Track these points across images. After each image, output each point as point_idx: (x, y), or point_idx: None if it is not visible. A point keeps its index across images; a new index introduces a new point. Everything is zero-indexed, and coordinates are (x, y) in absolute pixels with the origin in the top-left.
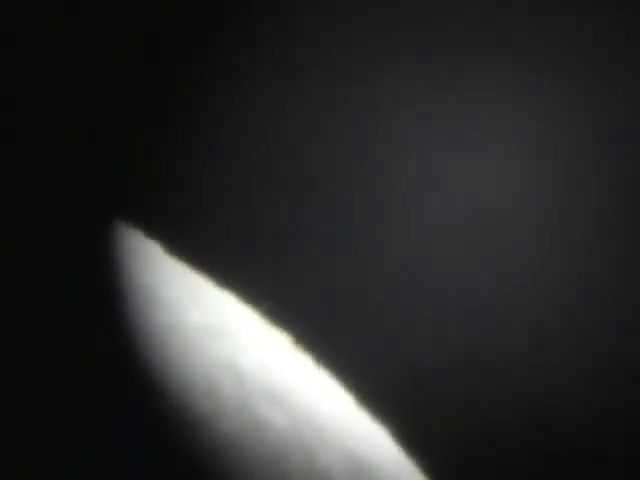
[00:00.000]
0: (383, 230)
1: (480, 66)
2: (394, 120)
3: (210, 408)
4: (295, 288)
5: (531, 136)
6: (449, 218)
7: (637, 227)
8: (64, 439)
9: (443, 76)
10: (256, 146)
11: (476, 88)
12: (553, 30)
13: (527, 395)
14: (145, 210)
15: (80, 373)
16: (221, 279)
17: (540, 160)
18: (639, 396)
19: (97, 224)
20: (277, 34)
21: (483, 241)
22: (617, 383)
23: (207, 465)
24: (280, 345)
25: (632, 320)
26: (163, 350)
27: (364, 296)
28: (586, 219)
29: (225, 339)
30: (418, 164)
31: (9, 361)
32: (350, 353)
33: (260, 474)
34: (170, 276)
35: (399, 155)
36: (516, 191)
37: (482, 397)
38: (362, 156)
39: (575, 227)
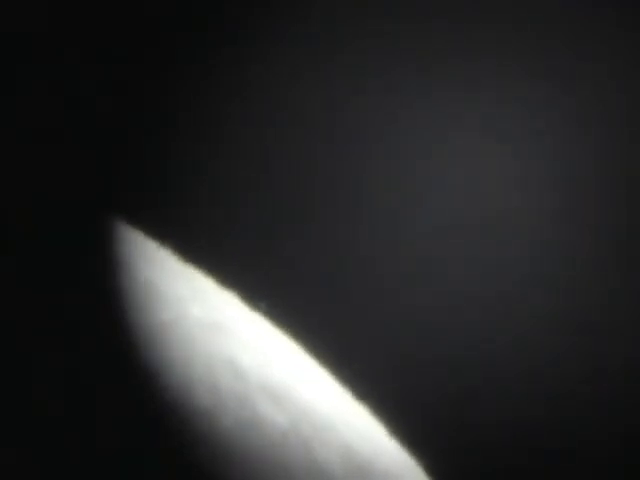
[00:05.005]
0: (384, 230)
1: (480, 66)
2: (394, 120)
3: (210, 403)
4: (295, 286)
5: (532, 136)
6: (449, 218)
7: (637, 226)
8: (64, 437)
9: (443, 75)
10: (257, 145)
11: (476, 88)
12: (553, 32)
13: (527, 394)
14: (145, 208)
15: (81, 370)
16: (221, 276)
17: (541, 160)
18: (639, 396)
19: (97, 221)
20: (277, 34)
21: (483, 240)
22: (617, 382)
23: (206, 460)
24: (280, 341)
25: (632, 320)
26: (163, 346)
27: (364, 294)
28: (586, 219)
29: (225, 335)
30: (417, 164)
31: (9, 360)
32: (349, 350)
33: (259, 469)
34: (170, 272)
35: (399, 155)
36: (517, 191)
37: (481, 394)
38: (363, 156)
39: (575, 227)
